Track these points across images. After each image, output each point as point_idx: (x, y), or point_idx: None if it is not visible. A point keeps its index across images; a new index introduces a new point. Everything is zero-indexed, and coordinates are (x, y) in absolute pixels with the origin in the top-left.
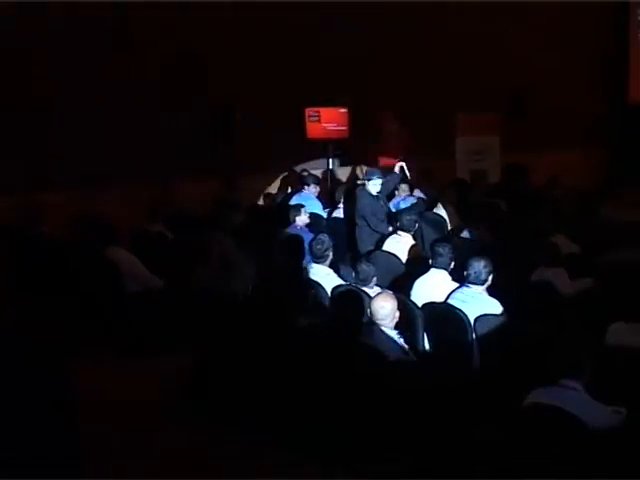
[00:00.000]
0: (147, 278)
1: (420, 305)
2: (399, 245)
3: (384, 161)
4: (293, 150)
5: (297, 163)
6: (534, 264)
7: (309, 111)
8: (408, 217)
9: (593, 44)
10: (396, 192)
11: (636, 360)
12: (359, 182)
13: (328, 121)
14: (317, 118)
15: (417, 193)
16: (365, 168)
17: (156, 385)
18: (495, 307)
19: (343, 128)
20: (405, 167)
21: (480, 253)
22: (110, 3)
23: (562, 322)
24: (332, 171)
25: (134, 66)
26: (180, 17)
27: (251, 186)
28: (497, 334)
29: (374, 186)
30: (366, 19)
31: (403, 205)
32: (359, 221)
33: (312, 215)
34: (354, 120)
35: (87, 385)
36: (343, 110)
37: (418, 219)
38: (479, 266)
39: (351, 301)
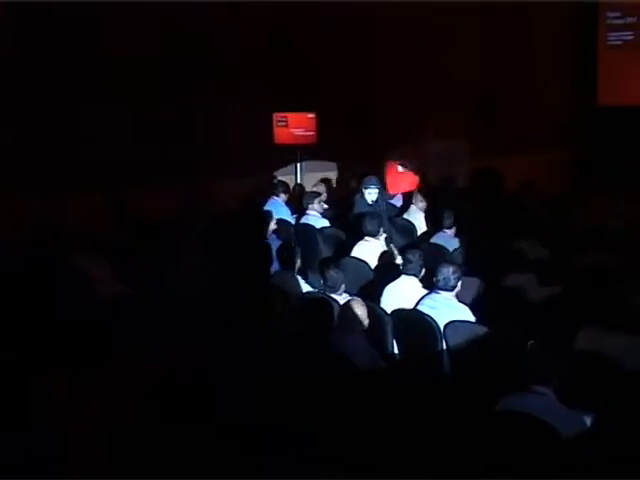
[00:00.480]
0: (114, 285)
1: (389, 312)
2: (367, 251)
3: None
4: (263, 155)
5: (268, 168)
6: (504, 270)
7: (277, 116)
8: (372, 222)
9: (562, 45)
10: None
11: (605, 365)
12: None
13: (296, 126)
14: (285, 123)
15: (396, 199)
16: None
17: (126, 389)
18: (465, 313)
19: (311, 134)
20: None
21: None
22: None
23: (532, 328)
24: (300, 177)
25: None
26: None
27: (219, 191)
28: (467, 341)
29: (369, 195)
30: (334, 20)
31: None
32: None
33: (280, 222)
34: (322, 126)
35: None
36: (311, 115)
37: (388, 225)
38: (448, 272)
39: (320, 308)
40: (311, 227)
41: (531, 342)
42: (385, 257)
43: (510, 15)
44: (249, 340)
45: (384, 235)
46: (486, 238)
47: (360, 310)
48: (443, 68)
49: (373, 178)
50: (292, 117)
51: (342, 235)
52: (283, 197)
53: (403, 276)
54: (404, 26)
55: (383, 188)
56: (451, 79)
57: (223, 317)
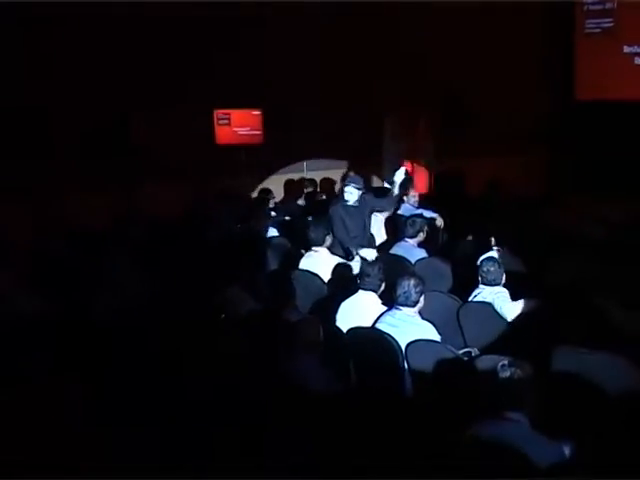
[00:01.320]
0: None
1: (346, 331)
2: (317, 263)
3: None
4: (202, 157)
5: (208, 172)
6: (473, 283)
7: (218, 113)
8: (316, 230)
9: (536, 35)
10: (405, 198)
11: (585, 388)
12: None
13: (240, 125)
14: (227, 121)
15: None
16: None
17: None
18: (429, 332)
19: (257, 133)
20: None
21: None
22: None
23: (503, 347)
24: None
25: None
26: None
27: (155, 198)
28: (431, 362)
29: (350, 194)
30: (291, 13)
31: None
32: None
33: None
34: (269, 124)
35: None
36: (257, 112)
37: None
38: (408, 286)
39: (268, 326)
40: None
41: (502, 363)
42: (340, 270)
43: (478, 4)
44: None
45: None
46: (452, 248)
47: (314, 329)
48: (404, 63)
49: (355, 177)
50: (235, 114)
51: (288, 245)
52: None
53: (360, 291)
54: (363, 20)
55: (366, 189)
56: (414, 75)
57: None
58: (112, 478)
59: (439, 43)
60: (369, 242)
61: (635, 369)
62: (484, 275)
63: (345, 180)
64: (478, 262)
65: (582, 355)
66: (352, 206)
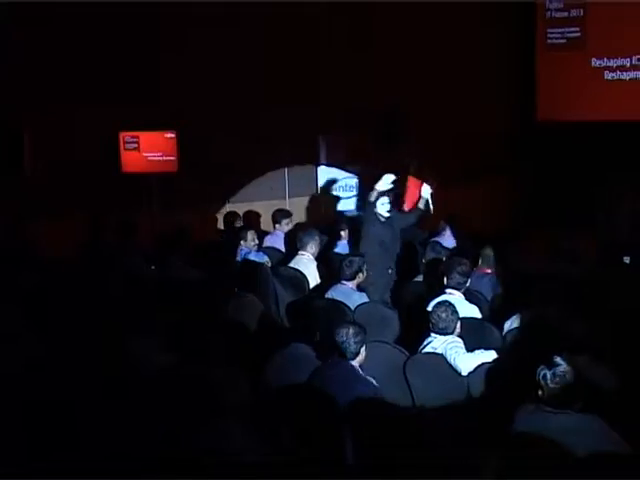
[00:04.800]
0: None
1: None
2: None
3: None
4: (106, 187)
5: (111, 205)
6: (423, 332)
7: (124, 136)
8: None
9: (493, 45)
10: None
11: (550, 451)
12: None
13: (150, 149)
14: (135, 145)
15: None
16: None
17: None
18: (369, 387)
19: (170, 159)
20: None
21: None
22: None
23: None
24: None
25: None
26: None
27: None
28: (376, 423)
29: (383, 206)
30: (209, 26)
31: None
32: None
33: None
34: (184, 149)
35: None
36: (170, 135)
37: (269, 276)
38: (347, 335)
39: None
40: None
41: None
42: (267, 319)
43: (428, 9)
44: None
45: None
46: (398, 291)
47: (239, 386)
48: (344, 80)
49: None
50: (145, 137)
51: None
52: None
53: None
54: (293, 34)
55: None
56: (350, 90)
57: None
58: None
59: (380, 58)
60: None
61: (608, 429)
62: (435, 322)
63: (376, 195)
64: (429, 307)
65: (548, 414)
66: (386, 221)
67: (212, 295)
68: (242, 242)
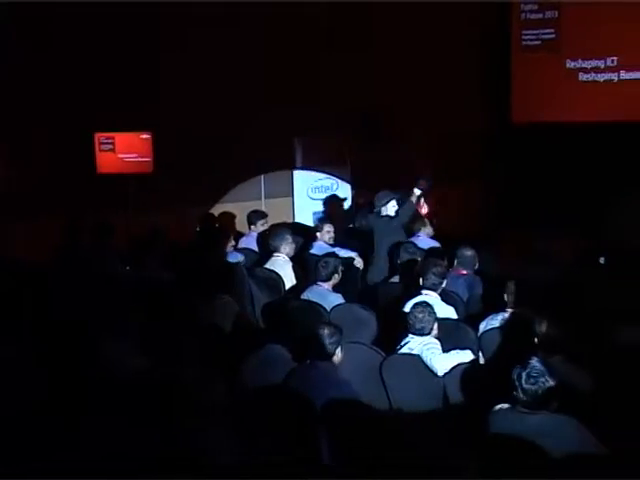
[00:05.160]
0: None
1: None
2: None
3: None
4: (82, 188)
5: (87, 207)
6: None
7: (100, 137)
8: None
9: (468, 47)
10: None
11: (526, 451)
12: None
13: (125, 150)
14: (111, 147)
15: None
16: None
17: None
18: (345, 388)
19: (146, 160)
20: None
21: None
22: None
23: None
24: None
25: None
26: None
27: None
28: (352, 425)
29: (393, 208)
30: (186, 27)
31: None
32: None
33: None
34: (160, 150)
35: None
36: (146, 136)
37: (244, 277)
38: (322, 336)
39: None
40: None
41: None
42: (243, 321)
43: (407, 11)
44: None
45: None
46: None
47: (215, 388)
48: (319, 77)
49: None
50: (120, 138)
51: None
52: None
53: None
54: (274, 27)
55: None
56: (327, 92)
57: None
58: None
59: (361, 60)
60: None
61: (583, 430)
62: (412, 323)
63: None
64: (406, 308)
65: (523, 415)
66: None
67: (187, 296)
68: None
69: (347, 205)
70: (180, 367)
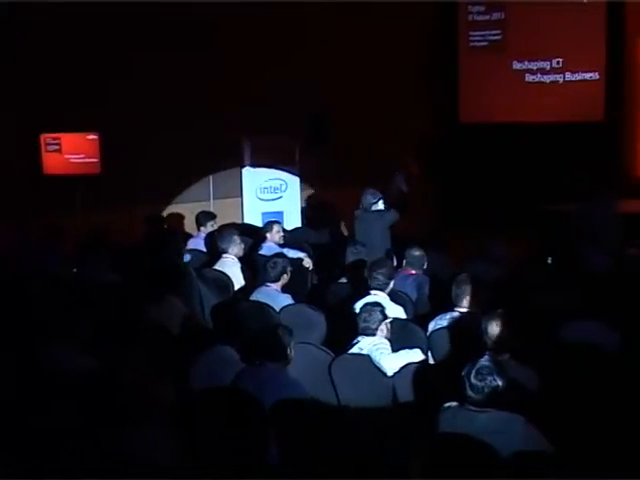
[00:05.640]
0: None
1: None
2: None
3: None
4: (28, 190)
5: (34, 209)
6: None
7: (46, 138)
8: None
9: (415, 47)
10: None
11: (474, 451)
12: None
13: (72, 151)
14: (57, 147)
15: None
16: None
17: None
18: (295, 389)
19: (93, 161)
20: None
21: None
22: None
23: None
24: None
25: None
26: None
27: None
28: (302, 424)
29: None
30: (133, 28)
31: None
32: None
33: None
34: (107, 151)
35: None
36: (93, 137)
37: (193, 278)
38: (272, 337)
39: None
40: None
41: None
42: (191, 322)
43: (349, 13)
44: None
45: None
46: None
47: (161, 390)
48: (264, 79)
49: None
50: (67, 139)
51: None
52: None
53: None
54: (217, 29)
55: None
56: (276, 93)
57: None
58: None
59: (305, 62)
60: None
61: (530, 429)
62: (362, 323)
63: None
64: (356, 308)
65: (472, 413)
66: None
67: (134, 298)
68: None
69: (298, 205)
70: (127, 369)
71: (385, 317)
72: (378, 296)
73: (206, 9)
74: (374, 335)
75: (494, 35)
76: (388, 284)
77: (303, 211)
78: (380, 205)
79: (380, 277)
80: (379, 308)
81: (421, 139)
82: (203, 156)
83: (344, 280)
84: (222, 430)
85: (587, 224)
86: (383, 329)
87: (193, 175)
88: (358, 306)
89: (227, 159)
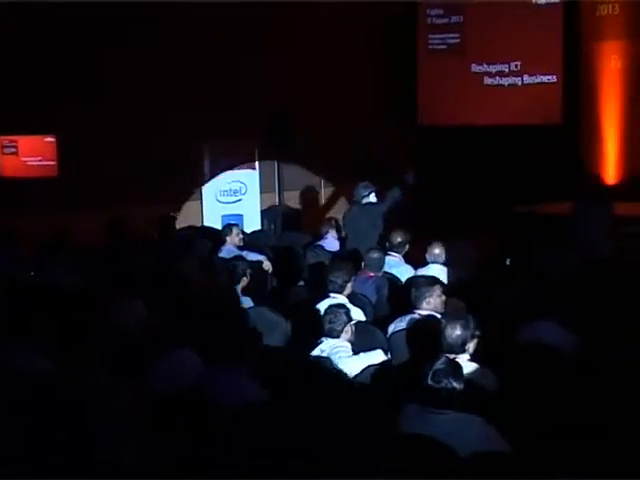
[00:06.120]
0: None
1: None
2: None
3: None
4: None
5: None
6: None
7: (3, 140)
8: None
9: (374, 50)
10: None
11: (436, 452)
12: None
13: (29, 154)
14: (14, 150)
15: None
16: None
17: None
18: (256, 391)
19: (50, 163)
20: None
21: None
22: None
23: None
24: None
25: None
26: None
27: None
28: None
29: (374, 199)
30: (81, 28)
31: None
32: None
33: None
34: (65, 153)
35: None
36: (50, 139)
37: (154, 279)
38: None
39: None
40: None
41: None
42: (151, 324)
43: (308, 14)
44: None
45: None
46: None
47: (121, 392)
48: (225, 80)
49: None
50: (24, 142)
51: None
52: None
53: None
54: (177, 28)
55: None
56: (236, 94)
57: None
58: None
59: (267, 62)
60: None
61: (488, 429)
62: (326, 325)
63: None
64: (320, 310)
65: (430, 415)
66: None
67: (94, 300)
68: None
69: (257, 208)
70: (86, 372)
71: (350, 319)
72: (337, 299)
73: (160, 8)
74: (338, 337)
75: (453, 38)
76: (346, 287)
77: (262, 214)
78: (372, 198)
79: (338, 280)
80: (344, 310)
81: (381, 140)
82: (162, 158)
83: (303, 283)
84: (182, 433)
85: (583, 225)
86: (348, 331)
87: (153, 177)
88: (322, 308)
89: (186, 162)
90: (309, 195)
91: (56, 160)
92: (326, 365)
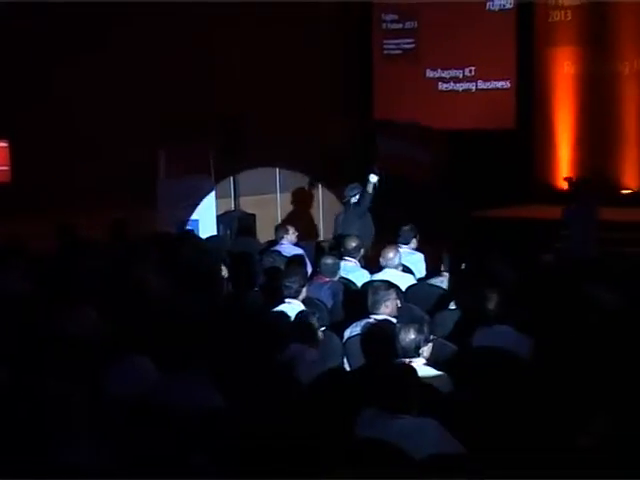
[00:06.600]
0: None
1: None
2: None
3: None
4: None
5: None
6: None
7: None
8: None
9: (331, 55)
10: None
11: (389, 455)
12: None
13: None
14: None
15: None
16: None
17: None
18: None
19: (3, 169)
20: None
21: None
22: None
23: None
24: None
25: None
26: None
27: None
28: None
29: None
30: (35, 32)
31: None
32: None
33: None
34: (18, 158)
35: None
36: (2, 144)
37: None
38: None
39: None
40: None
41: None
42: (105, 332)
43: (264, 15)
44: None
45: None
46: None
47: (76, 399)
48: (178, 87)
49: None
50: None
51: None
52: None
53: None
54: (130, 33)
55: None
56: (189, 101)
57: None
58: None
59: (219, 68)
60: None
61: (444, 432)
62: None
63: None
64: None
65: (387, 419)
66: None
67: (47, 307)
68: None
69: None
70: (39, 378)
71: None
72: (292, 304)
73: (108, 12)
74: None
75: (407, 44)
76: (301, 292)
77: (218, 219)
78: (358, 198)
79: (293, 285)
80: (317, 315)
81: (334, 143)
82: (117, 164)
83: (258, 289)
84: (138, 441)
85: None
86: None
87: (107, 183)
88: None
89: (141, 167)
90: (265, 200)
91: (9, 165)
92: (283, 370)
